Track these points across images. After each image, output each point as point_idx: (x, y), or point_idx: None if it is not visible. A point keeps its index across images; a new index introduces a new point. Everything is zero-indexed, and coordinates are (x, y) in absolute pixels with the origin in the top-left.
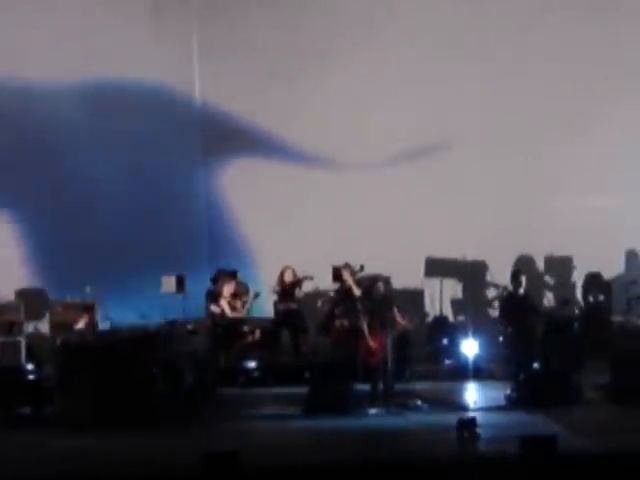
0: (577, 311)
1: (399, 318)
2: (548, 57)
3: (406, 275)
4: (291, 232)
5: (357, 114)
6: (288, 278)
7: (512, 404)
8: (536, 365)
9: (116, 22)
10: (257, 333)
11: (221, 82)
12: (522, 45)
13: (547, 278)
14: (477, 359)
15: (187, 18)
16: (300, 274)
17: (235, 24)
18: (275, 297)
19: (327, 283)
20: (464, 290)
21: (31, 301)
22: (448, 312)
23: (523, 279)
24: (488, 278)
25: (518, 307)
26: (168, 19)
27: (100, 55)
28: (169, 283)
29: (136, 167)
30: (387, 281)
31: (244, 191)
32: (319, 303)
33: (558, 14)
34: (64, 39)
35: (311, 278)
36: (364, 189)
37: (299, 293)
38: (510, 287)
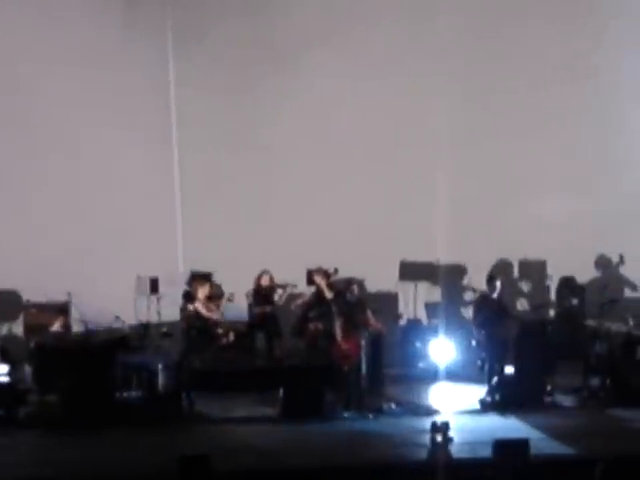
0: (551, 314)
1: (372, 320)
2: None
3: (380, 278)
4: (266, 234)
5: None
6: (265, 282)
7: (485, 407)
8: (510, 369)
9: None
10: (231, 336)
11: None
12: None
13: (521, 282)
14: (451, 362)
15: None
16: (277, 277)
17: None
18: (250, 300)
19: (301, 286)
20: (439, 293)
21: (5, 303)
22: (422, 315)
23: (498, 283)
24: (463, 282)
25: (492, 310)
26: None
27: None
28: (143, 285)
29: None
30: (361, 284)
31: (219, 191)
32: (292, 306)
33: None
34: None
35: (294, 286)
36: (339, 192)
37: (279, 299)
38: (485, 290)
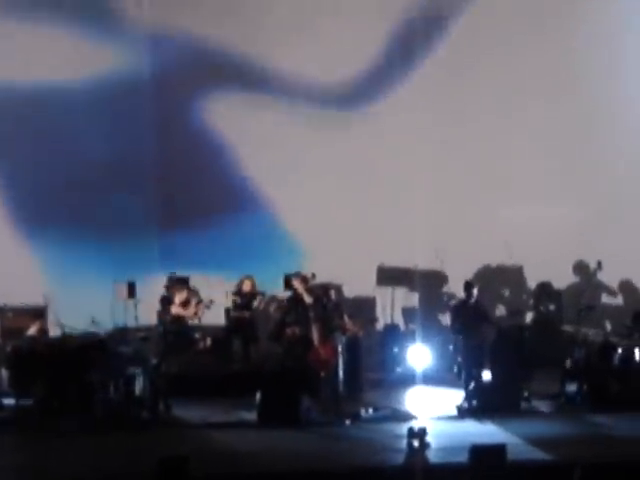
0: (528, 320)
1: (349, 325)
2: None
3: (358, 283)
4: (244, 239)
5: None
6: (246, 288)
7: (462, 413)
8: (486, 374)
9: None
10: (208, 340)
11: None
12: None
13: (498, 287)
14: (428, 368)
15: None
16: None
17: None
18: (230, 305)
19: (279, 291)
20: (416, 299)
21: None
22: (399, 320)
23: (475, 290)
24: (441, 287)
25: (469, 316)
26: None
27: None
28: (121, 289)
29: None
30: (338, 289)
31: (195, 195)
32: (271, 310)
33: None
34: None
35: (262, 295)
36: (316, 197)
37: (258, 304)
38: (462, 296)
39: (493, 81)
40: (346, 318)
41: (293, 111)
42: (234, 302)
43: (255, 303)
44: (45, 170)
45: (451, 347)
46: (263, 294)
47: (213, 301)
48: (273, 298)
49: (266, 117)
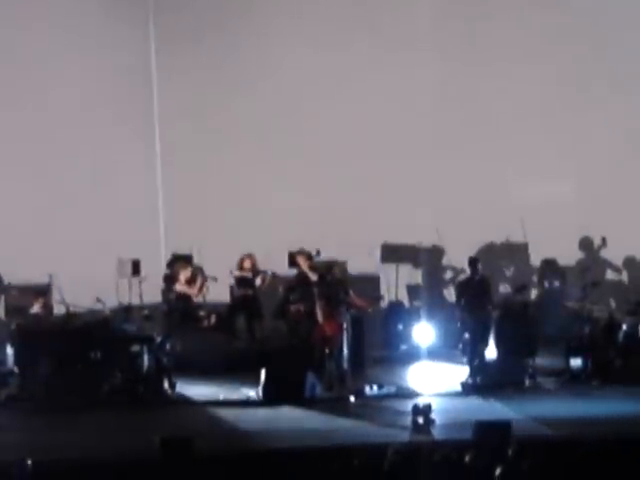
0: (533, 297)
1: (358, 300)
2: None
3: (362, 260)
4: (248, 217)
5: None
6: (247, 265)
7: (467, 389)
8: (491, 350)
9: None
10: (212, 318)
11: None
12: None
13: (503, 264)
14: (433, 345)
15: None
16: (259, 260)
17: None
18: (231, 282)
19: (283, 268)
20: (420, 276)
21: None
22: (404, 297)
23: (479, 266)
24: (444, 263)
25: (474, 292)
26: None
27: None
28: (125, 267)
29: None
30: (343, 266)
31: (201, 174)
32: (280, 289)
33: None
34: None
35: (273, 275)
36: (322, 174)
37: (261, 286)
38: (467, 271)
39: (502, 61)
40: (352, 294)
41: None
42: (236, 279)
43: (258, 281)
44: None
45: (458, 324)
46: (265, 272)
47: (216, 278)
48: (275, 275)
49: None
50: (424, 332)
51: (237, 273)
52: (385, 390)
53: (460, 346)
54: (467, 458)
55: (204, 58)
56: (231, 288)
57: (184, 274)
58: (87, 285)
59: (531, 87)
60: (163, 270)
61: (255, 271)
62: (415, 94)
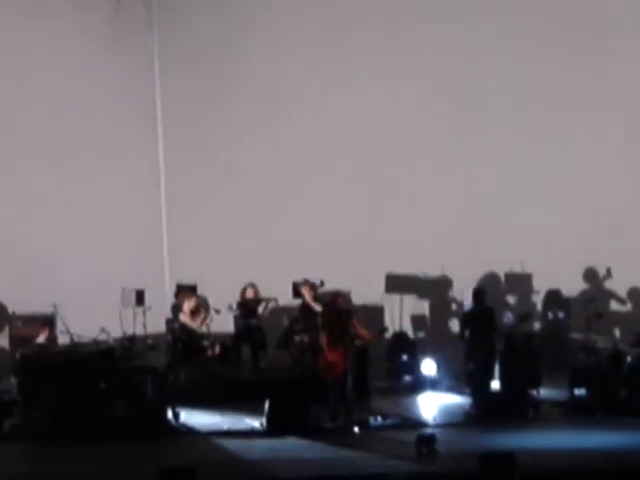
0: (537, 328)
1: (365, 333)
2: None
3: (366, 291)
4: (252, 247)
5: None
6: (250, 295)
7: (471, 420)
8: (495, 381)
9: None
10: (217, 348)
11: None
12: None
13: (508, 295)
14: (437, 375)
15: None
16: (262, 290)
17: None
18: (234, 312)
19: (288, 299)
20: (425, 306)
21: None
22: (408, 328)
23: (484, 297)
24: (449, 295)
25: (478, 323)
26: None
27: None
28: (129, 297)
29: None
30: (347, 296)
31: (205, 204)
32: (284, 320)
33: None
34: None
35: (275, 300)
36: (325, 205)
37: (263, 312)
38: (471, 303)
39: (507, 89)
40: (358, 326)
41: None
42: (239, 310)
43: (260, 310)
44: None
45: (462, 355)
46: (267, 300)
47: (219, 311)
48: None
49: None
50: (428, 363)
51: (235, 309)
52: (389, 421)
53: (464, 377)
54: None
55: (209, 87)
56: (235, 318)
57: (188, 304)
58: (91, 315)
59: (536, 117)
60: (167, 300)
61: (257, 300)
62: (416, 125)
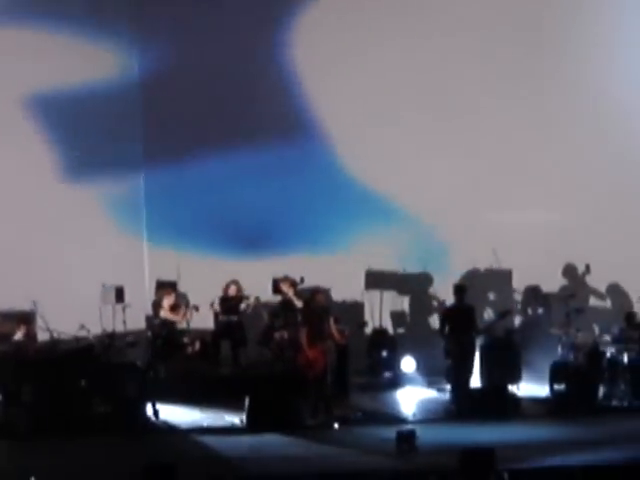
0: (516, 324)
1: (334, 332)
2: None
3: (346, 287)
4: (233, 243)
5: None
6: (232, 292)
7: (451, 416)
8: (475, 377)
9: None
10: (197, 345)
11: None
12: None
13: (487, 291)
14: (417, 371)
15: None
16: (244, 286)
17: None
18: (215, 309)
19: (268, 295)
20: (405, 303)
21: None
22: (388, 324)
23: (464, 293)
24: (429, 291)
25: (459, 320)
26: None
27: None
28: (108, 294)
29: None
30: (327, 293)
31: (184, 201)
32: (264, 315)
33: None
34: None
35: (257, 299)
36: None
37: (246, 309)
38: (451, 300)
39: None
40: (333, 325)
41: None
42: (220, 306)
43: (242, 306)
44: None
45: (442, 351)
46: (249, 298)
47: (198, 307)
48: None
49: None
50: (408, 359)
51: (216, 307)
52: (369, 417)
53: (444, 373)
54: None
55: None
56: (215, 314)
57: (167, 300)
58: (71, 312)
59: (517, 115)
60: (147, 297)
61: (240, 297)
62: (401, 119)
